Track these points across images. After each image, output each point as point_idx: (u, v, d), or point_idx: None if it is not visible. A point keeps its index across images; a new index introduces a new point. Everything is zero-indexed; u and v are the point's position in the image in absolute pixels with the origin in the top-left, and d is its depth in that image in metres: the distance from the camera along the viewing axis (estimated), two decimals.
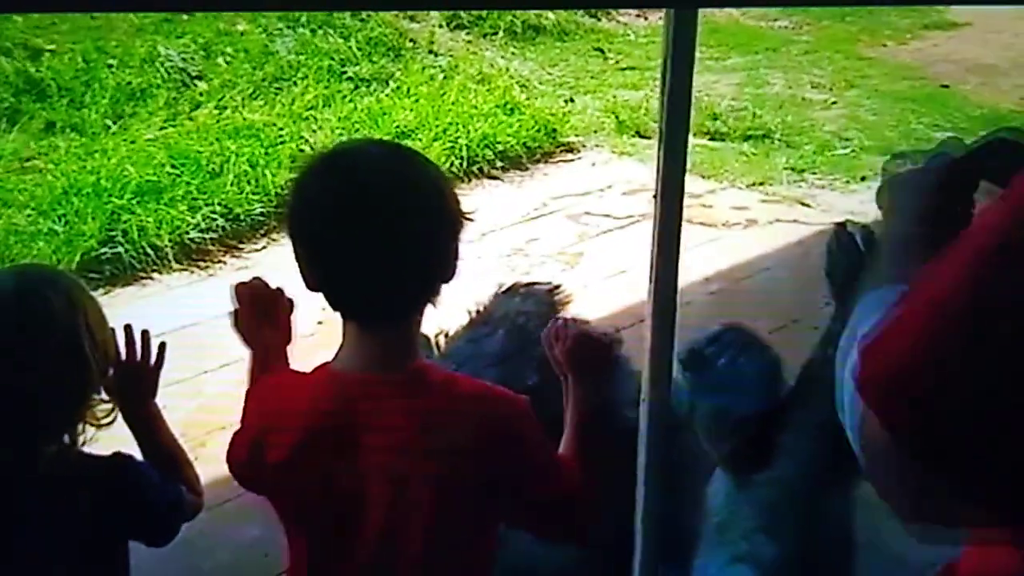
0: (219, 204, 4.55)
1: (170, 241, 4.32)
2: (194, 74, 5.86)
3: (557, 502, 1.39)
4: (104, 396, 1.52)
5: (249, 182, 4.70)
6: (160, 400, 1.63)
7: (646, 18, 8.11)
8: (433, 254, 1.31)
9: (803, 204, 5.11)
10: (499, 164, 5.38)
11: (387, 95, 5.92)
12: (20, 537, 1.43)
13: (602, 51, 7.56)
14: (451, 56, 6.72)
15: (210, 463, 1.75)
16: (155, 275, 4.23)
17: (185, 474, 1.61)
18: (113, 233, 4.25)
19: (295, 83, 5.91)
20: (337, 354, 1.35)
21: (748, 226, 4.86)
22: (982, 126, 6.28)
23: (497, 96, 5.99)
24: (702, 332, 1.78)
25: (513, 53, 7.23)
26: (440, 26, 7.15)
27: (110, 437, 1.55)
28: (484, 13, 7.33)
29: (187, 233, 4.38)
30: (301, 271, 1.31)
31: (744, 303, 3.94)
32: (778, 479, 1.69)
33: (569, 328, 1.48)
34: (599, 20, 8.06)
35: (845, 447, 1.61)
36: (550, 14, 7.64)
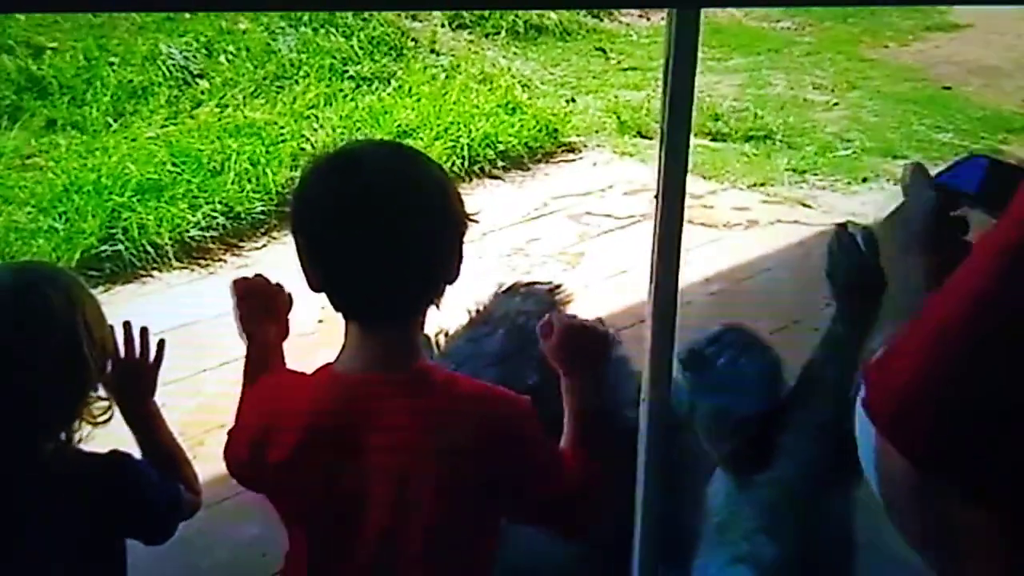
0: (220, 202, 4.55)
1: (171, 239, 4.32)
2: (195, 72, 5.86)
3: (559, 501, 1.39)
4: (101, 394, 1.51)
5: (250, 180, 4.70)
6: (159, 398, 1.63)
7: (648, 18, 8.10)
8: (436, 255, 1.31)
9: (804, 205, 5.10)
10: (500, 164, 5.38)
11: (389, 94, 5.92)
12: (17, 534, 1.42)
13: (604, 51, 7.55)
14: (453, 56, 6.72)
15: (209, 461, 1.75)
16: (155, 273, 4.23)
17: (183, 473, 1.61)
18: (114, 231, 4.25)
19: (297, 82, 5.91)
20: (339, 355, 1.35)
21: (749, 227, 4.85)
22: (984, 128, 6.28)
23: (499, 96, 5.99)
24: (702, 332, 1.78)
25: (515, 53, 7.23)
26: (442, 25, 7.14)
27: (108, 435, 1.55)
28: (486, 13, 7.32)
29: (188, 231, 4.38)
30: (304, 271, 1.31)
31: (745, 304, 3.93)
32: (778, 480, 1.69)
33: (557, 322, 1.47)
34: (601, 20, 8.06)
35: (846, 448, 1.61)
36: (552, 14, 7.63)
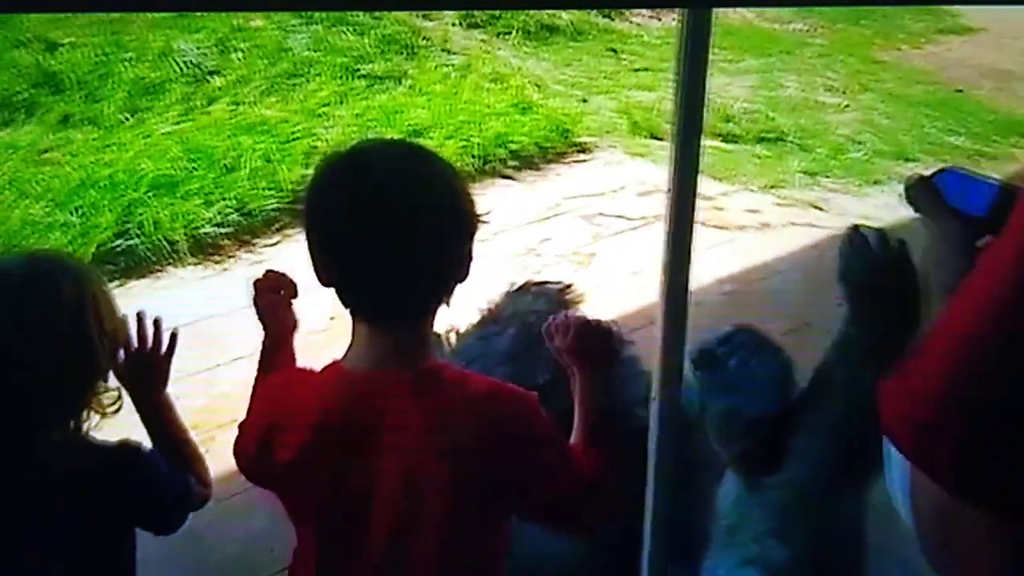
0: (233, 199, 4.56)
1: (184, 235, 4.33)
2: (209, 69, 5.88)
3: (566, 499, 1.40)
4: (111, 384, 1.52)
5: (263, 177, 4.72)
6: (171, 392, 1.64)
7: (660, 19, 8.10)
8: (447, 254, 1.31)
9: (816, 207, 5.10)
10: (512, 163, 5.39)
11: (401, 93, 5.93)
12: (26, 522, 1.43)
13: (616, 52, 7.55)
14: (465, 55, 6.73)
15: (221, 456, 1.76)
16: (169, 268, 4.25)
17: (193, 465, 1.61)
18: (128, 226, 4.28)
19: (309, 80, 5.93)
20: (347, 352, 1.36)
21: (761, 229, 4.85)
22: (996, 132, 6.26)
23: (511, 95, 6.00)
24: (714, 332, 1.77)
25: (527, 53, 7.23)
26: (454, 25, 7.15)
27: (120, 426, 1.56)
28: (499, 13, 7.33)
29: (201, 227, 4.40)
30: (315, 267, 1.32)
31: (756, 306, 3.93)
32: (789, 482, 1.68)
33: (570, 322, 1.48)
34: (613, 21, 8.06)
35: (857, 450, 1.61)
36: (564, 15, 7.64)
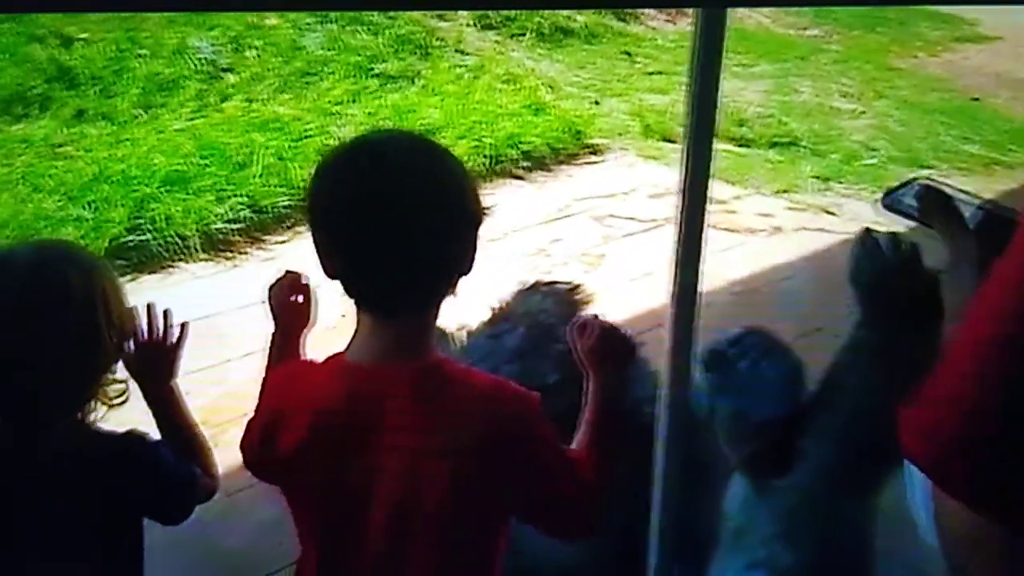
0: (245, 195, 4.57)
1: (196, 231, 4.34)
2: (224, 66, 5.90)
3: (565, 501, 1.39)
4: (118, 376, 1.52)
5: (275, 175, 4.73)
6: (182, 387, 1.64)
7: (675, 23, 8.09)
8: (450, 246, 1.31)
9: (829, 213, 5.08)
10: (524, 164, 5.39)
11: (414, 92, 5.94)
12: (33, 514, 1.43)
13: (630, 55, 7.55)
14: (479, 56, 6.73)
15: (231, 450, 1.76)
16: (180, 264, 4.26)
17: (201, 457, 1.61)
18: (140, 221, 4.29)
19: (323, 78, 5.94)
20: (350, 344, 1.35)
21: (773, 233, 4.84)
22: (1012, 140, 6.23)
23: (524, 96, 6.00)
24: (724, 334, 1.77)
25: (541, 54, 7.23)
26: (469, 25, 7.16)
27: (129, 417, 1.56)
28: (513, 14, 7.33)
29: (213, 223, 4.41)
30: (319, 258, 1.32)
31: (767, 310, 3.91)
32: (797, 485, 1.68)
33: (595, 324, 1.48)
34: (627, 24, 8.05)
35: (866, 454, 1.60)
36: (579, 16, 7.64)
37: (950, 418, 0.73)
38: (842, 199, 5.27)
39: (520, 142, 5.43)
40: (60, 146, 4.96)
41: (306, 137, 5.11)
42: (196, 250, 4.30)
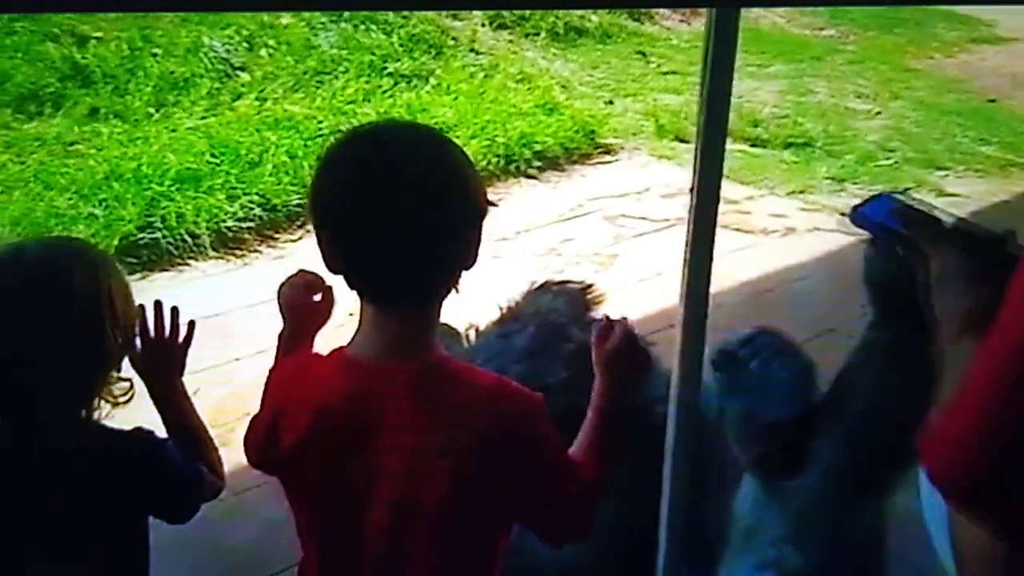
0: (257, 194, 4.58)
1: (207, 229, 4.35)
2: (237, 65, 5.91)
3: (564, 502, 1.37)
4: (123, 374, 1.51)
5: (287, 173, 4.73)
6: (192, 385, 1.63)
7: (689, 23, 8.07)
8: (454, 237, 1.29)
9: (843, 214, 5.03)
10: (537, 163, 5.38)
11: (427, 92, 5.94)
12: (39, 511, 1.43)
13: (644, 55, 7.53)
14: (492, 55, 6.73)
15: (238, 449, 1.76)
16: (191, 262, 4.27)
17: (207, 455, 1.60)
18: (152, 219, 4.30)
19: (336, 77, 5.95)
20: (354, 338, 1.34)
21: (786, 234, 4.82)
22: None
23: (537, 96, 5.99)
24: (735, 334, 1.76)
25: (554, 54, 7.22)
26: (482, 25, 7.16)
27: (135, 415, 1.55)
28: (527, 13, 7.33)
29: (224, 222, 4.42)
30: (322, 252, 1.31)
31: (780, 311, 3.90)
32: (808, 487, 1.66)
33: (617, 329, 1.46)
34: (642, 24, 8.04)
35: (878, 456, 1.59)
36: (593, 17, 7.63)
37: (974, 448, 0.73)
38: (856, 200, 5.22)
39: (533, 141, 5.43)
40: (73, 144, 4.98)
41: (319, 136, 5.11)
42: (207, 248, 4.31)
